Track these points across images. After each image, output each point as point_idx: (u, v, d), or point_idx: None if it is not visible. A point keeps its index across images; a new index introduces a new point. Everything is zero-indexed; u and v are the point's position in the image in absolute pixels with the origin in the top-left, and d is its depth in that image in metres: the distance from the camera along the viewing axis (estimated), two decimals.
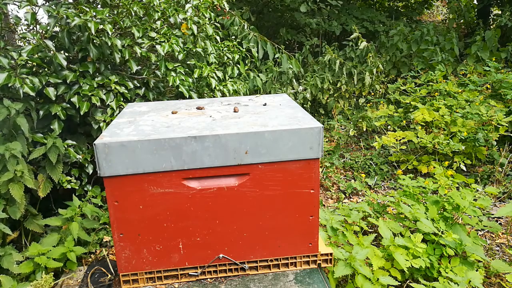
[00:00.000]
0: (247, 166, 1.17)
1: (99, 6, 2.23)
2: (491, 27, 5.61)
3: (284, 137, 1.15)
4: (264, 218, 1.23)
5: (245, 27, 3.57)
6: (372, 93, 4.44)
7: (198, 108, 1.43)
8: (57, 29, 1.94)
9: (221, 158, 1.14)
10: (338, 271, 1.43)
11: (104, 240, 1.95)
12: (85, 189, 2.07)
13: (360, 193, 2.81)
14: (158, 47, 2.04)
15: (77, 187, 1.94)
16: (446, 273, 1.58)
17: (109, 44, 1.90)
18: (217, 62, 2.62)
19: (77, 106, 1.86)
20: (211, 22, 2.60)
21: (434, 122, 3.14)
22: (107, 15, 1.93)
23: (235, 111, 1.36)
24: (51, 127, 1.87)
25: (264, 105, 1.47)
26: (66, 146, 1.86)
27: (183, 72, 2.22)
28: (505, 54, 4.74)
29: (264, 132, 1.14)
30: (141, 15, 2.19)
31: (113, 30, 2.02)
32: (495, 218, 2.36)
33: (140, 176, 1.13)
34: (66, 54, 1.99)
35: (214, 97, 2.38)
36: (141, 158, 1.10)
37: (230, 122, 1.23)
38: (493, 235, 2.23)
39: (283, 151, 1.16)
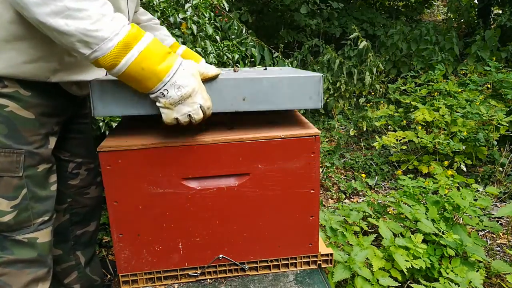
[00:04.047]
0: (247, 166, 1.17)
1: None
2: (492, 26, 5.60)
3: (283, 84, 1.11)
4: (264, 218, 1.22)
5: (243, 31, 3.57)
6: (372, 93, 4.44)
7: None
8: None
9: (217, 104, 1.09)
10: (337, 275, 1.43)
11: (104, 240, 1.95)
12: None
13: (361, 193, 2.81)
14: None
15: None
16: (447, 273, 1.57)
17: None
18: (216, 62, 2.61)
19: None
20: (211, 22, 2.59)
21: (434, 122, 3.14)
22: None
23: (234, 71, 1.35)
24: None
25: (264, 69, 1.48)
26: None
27: None
28: (506, 53, 4.74)
29: (263, 78, 1.11)
30: None
31: None
32: (496, 218, 2.36)
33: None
34: None
35: None
36: (137, 98, 1.03)
37: (229, 74, 1.21)
38: (494, 236, 2.22)
39: (282, 100, 1.12)
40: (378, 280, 1.48)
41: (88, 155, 1.36)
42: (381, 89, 4.40)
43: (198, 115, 0.97)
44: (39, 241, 1.09)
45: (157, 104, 0.95)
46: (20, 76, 0.97)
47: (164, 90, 0.91)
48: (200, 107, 0.96)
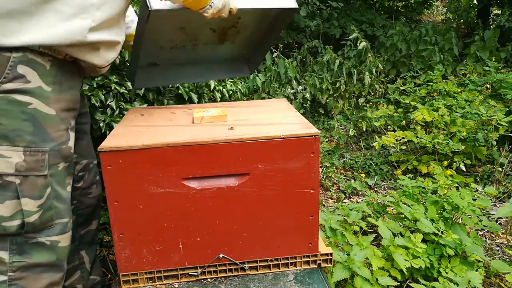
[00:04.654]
0: (247, 166, 1.17)
1: None
2: (491, 27, 5.61)
3: None
4: (264, 218, 1.23)
5: None
6: (372, 93, 4.44)
7: None
8: None
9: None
10: (336, 275, 1.43)
11: (104, 240, 1.95)
12: None
13: (360, 193, 2.81)
14: None
15: None
16: (446, 273, 1.58)
17: None
18: None
19: None
20: None
21: (433, 122, 3.14)
22: None
23: None
24: None
25: None
26: None
27: None
28: (505, 54, 4.74)
29: None
30: None
31: None
32: (495, 218, 2.36)
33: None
34: None
35: (213, 97, 2.38)
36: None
37: None
38: (493, 235, 2.23)
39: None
40: (377, 279, 1.49)
41: (91, 155, 1.37)
42: (380, 89, 4.40)
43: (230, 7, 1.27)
44: (60, 245, 1.08)
45: (205, 14, 1.21)
46: (58, 41, 0.96)
47: (211, 3, 1.20)
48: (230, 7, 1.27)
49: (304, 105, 4.10)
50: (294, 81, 4.07)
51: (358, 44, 4.40)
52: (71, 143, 1.12)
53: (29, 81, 0.96)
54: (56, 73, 1.02)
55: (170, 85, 2.10)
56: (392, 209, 2.19)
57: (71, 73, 1.09)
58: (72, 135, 1.12)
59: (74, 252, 1.36)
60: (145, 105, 1.97)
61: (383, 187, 2.90)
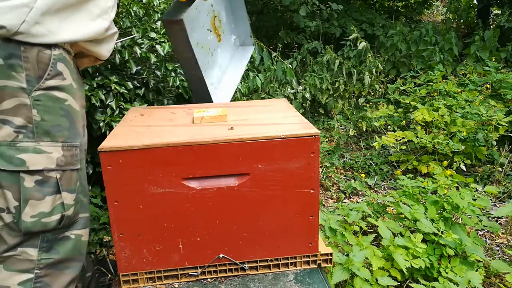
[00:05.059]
0: (247, 166, 1.17)
1: None
2: (491, 27, 5.61)
3: None
4: (264, 218, 1.23)
5: None
6: (372, 93, 4.44)
7: None
8: None
9: None
10: (336, 277, 1.43)
11: (104, 240, 1.95)
12: None
13: (360, 193, 2.81)
14: (158, 47, 2.04)
15: None
16: (446, 273, 1.58)
17: None
18: None
19: None
20: None
21: (433, 122, 3.14)
22: None
23: None
24: None
25: None
26: None
27: (183, 73, 2.21)
28: (505, 54, 4.74)
29: None
30: (141, 16, 2.19)
31: None
32: (495, 218, 2.36)
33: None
34: None
35: None
36: None
37: None
38: (493, 235, 2.23)
39: None
40: (377, 279, 1.49)
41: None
42: (380, 89, 4.40)
43: None
44: (83, 239, 1.12)
45: None
46: (86, 36, 1.04)
47: None
48: None
49: (304, 105, 4.10)
50: (294, 81, 4.07)
51: (358, 44, 4.40)
52: (86, 137, 1.18)
53: (65, 78, 1.01)
54: (76, 70, 1.09)
55: (170, 85, 2.11)
56: (392, 209, 2.19)
57: (78, 70, 1.15)
58: (86, 132, 1.18)
59: None
60: (145, 105, 1.97)
61: (383, 187, 2.90)
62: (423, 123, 3.22)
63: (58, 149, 1.01)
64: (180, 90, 2.12)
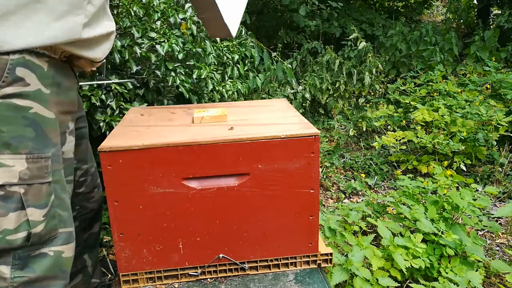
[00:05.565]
0: (247, 166, 1.17)
1: None
2: (491, 27, 5.61)
3: None
4: (264, 218, 1.23)
5: (243, 32, 3.57)
6: (372, 93, 4.44)
7: None
8: None
9: None
10: (335, 278, 1.43)
11: (104, 240, 1.95)
12: None
13: (360, 193, 2.81)
14: (158, 47, 2.04)
15: None
16: (446, 273, 1.58)
17: None
18: (216, 62, 2.62)
19: None
20: None
21: (434, 122, 3.14)
22: None
23: None
24: None
25: None
26: None
27: (183, 73, 2.21)
28: (505, 54, 4.74)
29: None
30: (141, 15, 2.19)
31: None
32: (495, 218, 2.36)
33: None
34: None
35: (213, 97, 2.38)
36: None
37: None
38: (493, 235, 2.23)
39: None
40: (377, 279, 1.49)
41: (90, 159, 1.35)
42: (380, 90, 4.40)
43: None
44: (64, 256, 1.03)
45: None
46: (55, 40, 0.92)
47: None
48: None
49: (304, 105, 4.10)
50: (293, 81, 4.07)
51: (358, 44, 4.40)
52: (71, 147, 1.09)
53: (28, 84, 0.92)
54: (54, 74, 0.99)
55: (170, 85, 2.10)
56: (392, 209, 2.19)
57: (67, 73, 1.06)
58: (71, 138, 1.09)
59: (78, 257, 1.33)
60: (145, 105, 1.97)
61: (383, 187, 2.90)
62: (423, 123, 3.22)
63: (22, 162, 0.92)
64: (180, 90, 2.12)
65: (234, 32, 1.33)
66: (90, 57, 1.06)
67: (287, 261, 1.29)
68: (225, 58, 2.73)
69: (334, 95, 4.22)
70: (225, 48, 2.75)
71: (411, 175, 2.45)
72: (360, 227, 1.94)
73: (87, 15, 0.98)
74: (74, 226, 1.09)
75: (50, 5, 0.91)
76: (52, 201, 0.99)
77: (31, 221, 0.94)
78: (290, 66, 4.06)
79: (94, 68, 1.23)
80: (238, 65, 2.81)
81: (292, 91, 4.04)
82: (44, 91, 0.95)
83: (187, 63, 2.38)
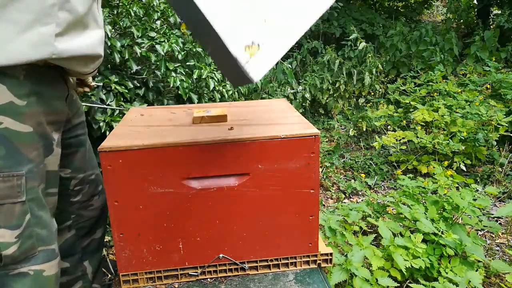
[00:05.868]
0: (247, 166, 1.17)
1: None
2: (491, 27, 5.61)
3: None
4: (264, 218, 1.23)
5: None
6: (372, 93, 4.44)
7: None
8: None
9: None
10: (335, 277, 1.43)
11: (104, 240, 1.95)
12: None
13: (360, 193, 2.81)
14: (158, 46, 2.04)
15: None
16: (446, 273, 1.58)
17: (109, 44, 1.90)
18: None
19: None
20: None
21: (434, 122, 3.14)
22: (106, 15, 1.92)
23: None
24: None
25: None
26: None
27: (183, 73, 2.22)
28: (505, 54, 4.74)
29: None
30: (141, 15, 2.19)
31: (113, 30, 2.02)
32: (495, 218, 2.36)
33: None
34: None
35: (213, 97, 2.38)
36: None
37: None
38: (493, 235, 2.23)
39: None
40: (377, 280, 1.49)
41: (89, 167, 1.31)
42: (380, 90, 4.40)
43: None
44: (45, 274, 0.98)
45: None
46: (20, 58, 0.82)
47: None
48: None
49: (304, 105, 4.10)
50: (293, 82, 4.08)
51: (358, 44, 4.40)
52: (56, 159, 1.02)
53: None
54: (33, 83, 0.89)
55: (170, 85, 2.10)
56: (392, 209, 2.19)
57: (52, 80, 0.97)
58: (58, 150, 1.03)
59: (77, 264, 1.32)
60: (145, 105, 1.97)
61: (383, 187, 2.90)
62: (423, 123, 3.22)
63: None
64: (180, 91, 2.12)
65: (255, 75, 0.84)
66: (77, 70, 0.98)
67: (287, 261, 1.29)
68: None
69: (334, 95, 4.22)
70: None
71: (411, 175, 2.45)
72: (360, 227, 1.94)
73: (60, 24, 0.86)
74: (57, 242, 1.04)
75: (10, 16, 0.79)
76: (27, 221, 0.93)
77: (1, 243, 0.89)
78: (290, 66, 4.06)
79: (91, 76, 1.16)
80: None
81: (292, 91, 4.04)
82: (17, 103, 0.87)
83: (187, 63, 2.38)
